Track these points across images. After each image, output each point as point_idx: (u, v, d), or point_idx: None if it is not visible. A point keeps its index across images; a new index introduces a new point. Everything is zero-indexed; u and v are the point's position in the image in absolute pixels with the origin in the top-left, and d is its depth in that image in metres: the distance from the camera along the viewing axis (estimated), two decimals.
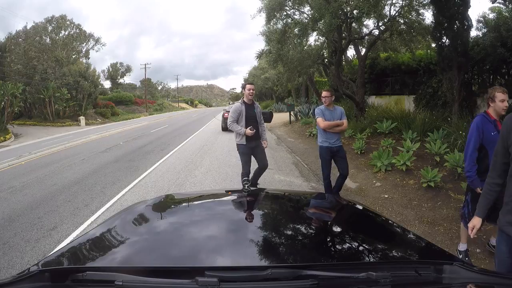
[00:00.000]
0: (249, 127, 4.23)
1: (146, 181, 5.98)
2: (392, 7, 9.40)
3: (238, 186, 4.83)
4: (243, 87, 4.38)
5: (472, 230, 1.77)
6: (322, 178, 4.44)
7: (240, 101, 4.42)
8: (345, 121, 4.14)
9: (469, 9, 6.20)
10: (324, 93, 4.17)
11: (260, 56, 16.96)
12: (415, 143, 5.81)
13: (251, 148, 4.37)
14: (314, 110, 14.87)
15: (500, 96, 2.42)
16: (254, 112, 4.38)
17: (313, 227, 1.42)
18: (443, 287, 0.92)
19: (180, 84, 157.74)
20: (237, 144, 4.42)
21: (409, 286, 0.93)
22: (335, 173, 4.41)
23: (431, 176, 4.37)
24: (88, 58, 31.10)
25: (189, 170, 6.72)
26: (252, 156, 4.46)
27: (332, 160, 4.22)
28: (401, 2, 9.30)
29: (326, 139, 4.10)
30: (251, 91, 4.30)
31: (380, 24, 9.85)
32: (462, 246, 2.83)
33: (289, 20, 10.77)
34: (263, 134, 4.57)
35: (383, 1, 8.64)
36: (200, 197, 1.87)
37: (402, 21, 9.73)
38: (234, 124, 4.29)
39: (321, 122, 4.06)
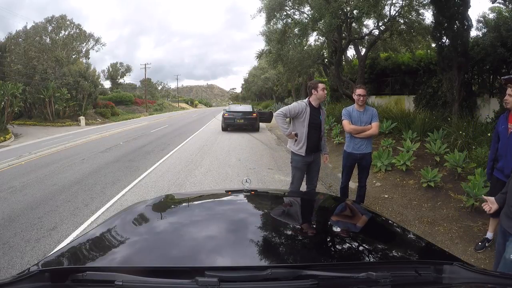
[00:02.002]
0: (295, 133, 3.39)
1: (146, 181, 5.97)
2: (392, 7, 9.43)
3: (238, 186, 4.81)
4: (314, 86, 3.37)
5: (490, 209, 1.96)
6: (322, 178, 4.37)
7: (305, 100, 3.42)
8: (374, 124, 3.52)
9: (469, 9, 6.19)
10: (358, 91, 3.51)
11: (260, 56, 16.96)
12: (415, 143, 5.80)
13: (308, 163, 3.49)
14: None
15: None
16: (320, 119, 3.45)
17: (313, 227, 1.42)
18: (443, 287, 0.92)
19: (180, 84, 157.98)
20: (292, 153, 3.52)
21: (409, 286, 0.93)
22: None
23: (431, 176, 4.37)
24: (88, 58, 31.05)
25: (189, 170, 6.72)
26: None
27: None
28: (401, 2, 9.32)
29: (350, 143, 3.65)
30: (325, 91, 3.41)
31: (380, 24, 9.86)
32: (489, 234, 3.01)
33: (289, 20, 10.78)
34: (325, 147, 3.67)
35: (383, 1, 8.65)
36: (200, 197, 1.87)
37: (402, 21, 9.74)
38: (283, 118, 3.37)
39: (346, 125, 3.56)
